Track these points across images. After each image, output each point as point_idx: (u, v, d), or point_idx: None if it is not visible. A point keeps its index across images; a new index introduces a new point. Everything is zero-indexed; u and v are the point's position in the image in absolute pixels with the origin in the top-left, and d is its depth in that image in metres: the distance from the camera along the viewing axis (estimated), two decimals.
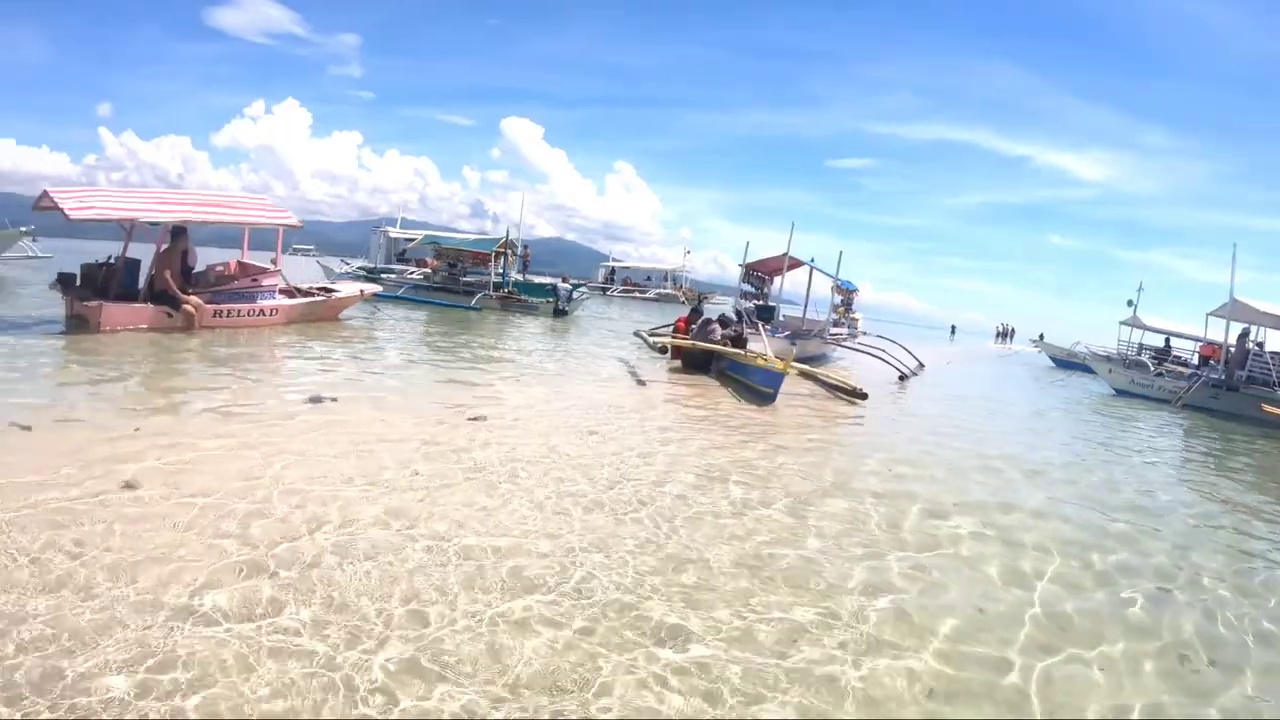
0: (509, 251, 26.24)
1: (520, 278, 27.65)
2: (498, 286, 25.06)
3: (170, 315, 12.19)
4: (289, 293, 14.73)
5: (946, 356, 30.14)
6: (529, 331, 19.39)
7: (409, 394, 9.07)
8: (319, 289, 16.36)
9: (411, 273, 28.12)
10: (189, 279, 12.82)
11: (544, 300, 25.05)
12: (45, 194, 12.15)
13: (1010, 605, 4.36)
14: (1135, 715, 3.41)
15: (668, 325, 17.49)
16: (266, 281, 14.02)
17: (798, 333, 17.98)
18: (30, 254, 26.61)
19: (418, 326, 18.34)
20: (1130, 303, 27.83)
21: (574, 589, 3.87)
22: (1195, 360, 23.95)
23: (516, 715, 2.83)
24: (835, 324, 19.52)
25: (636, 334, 18.08)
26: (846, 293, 20.91)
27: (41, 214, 13.12)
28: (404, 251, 33.33)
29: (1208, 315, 20.90)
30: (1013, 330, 62.48)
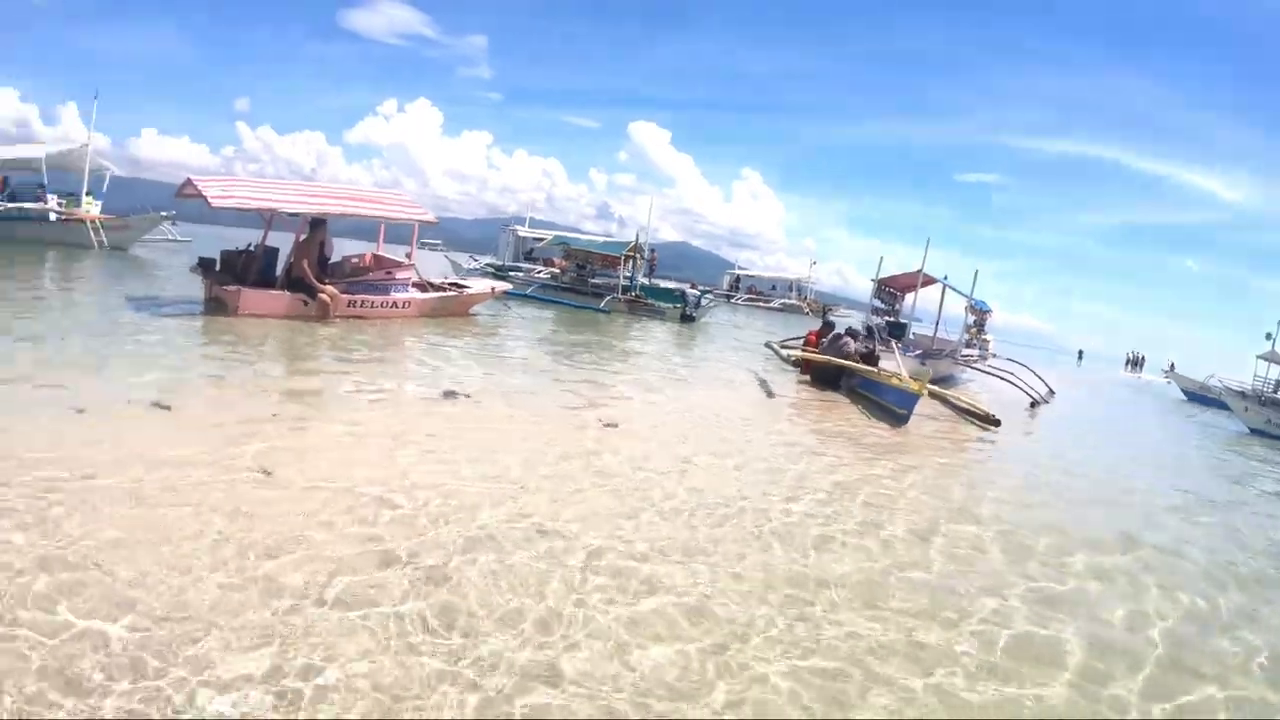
0: (637, 255, 25.83)
1: (646, 281, 27.22)
2: (625, 290, 24.91)
3: (306, 303, 12.43)
4: (422, 287, 14.87)
5: (1074, 382, 28.27)
6: (657, 336, 19.27)
7: (539, 394, 8.98)
8: (451, 284, 16.51)
9: (539, 272, 28.30)
10: (325, 269, 13.09)
11: (671, 305, 24.65)
12: (189, 181, 12.74)
13: (1131, 643, 4.22)
14: None
15: (795, 336, 17.27)
16: (400, 275, 14.19)
17: (929, 352, 17.33)
18: (170, 238, 28.16)
19: (546, 326, 18.38)
20: (1269, 336, 25.25)
21: (696, 605, 3.76)
22: None
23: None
24: (967, 344, 18.76)
25: (767, 345, 17.60)
26: (980, 313, 20.23)
27: (183, 201, 13.64)
28: (532, 250, 33.62)
29: None
30: (1143, 358, 58.50)
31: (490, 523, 4.39)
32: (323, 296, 12.43)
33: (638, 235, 26.73)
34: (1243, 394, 23.06)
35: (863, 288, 20.09)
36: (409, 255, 14.68)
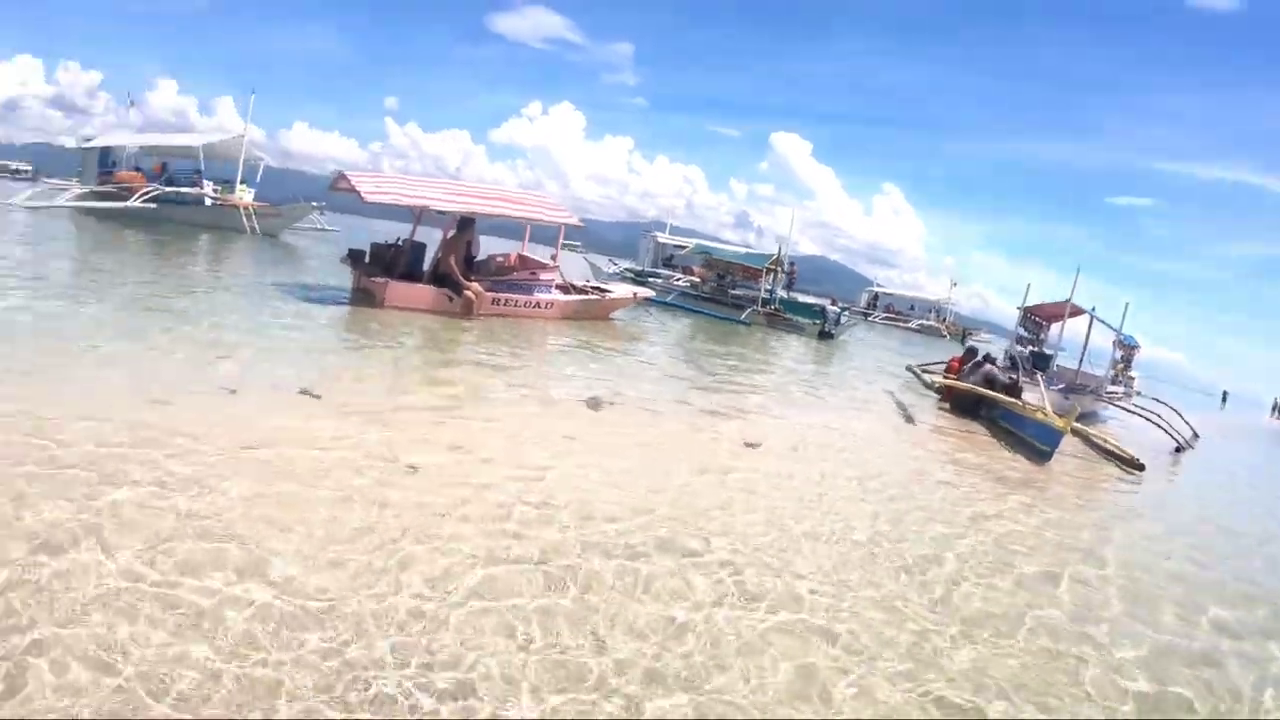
0: (779, 268, 25.08)
1: (785, 295, 26.40)
2: (765, 302, 24.19)
3: (451, 299, 12.56)
4: (565, 289, 14.90)
5: (1218, 426, 25.95)
6: (795, 352, 18.79)
7: (679, 404, 8.84)
8: (594, 288, 16.50)
9: (678, 279, 28.18)
10: (471, 266, 13.22)
11: (810, 321, 23.81)
12: (342, 176, 13.16)
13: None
14: None
15: (936, 361, 17.16)
16: (544, 276, 14.22)
17: (1072, 386, 16.60)
18: (318, 227, 29.43)
19: (685, 335, 18.17)
20: None
21: (823, 627, 3.68)
22: None
23: None
24: (1112, 381, 17.86)
25: (908, 368, 17.45)
26: (1128, 348, 19.41)
27: (335, 194, 14.08)
28: (671, 257, 33.55)
29: None
30: None
31: (634, 535, 4.36)
32: (468, 293, 12.54)
33: (780, 247, 26.05)
34: None
35: (1003, 312, 19.09)
36: (553, 257, 14.72)
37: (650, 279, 27.12)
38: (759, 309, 23.77)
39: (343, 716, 2.47)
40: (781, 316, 23.83)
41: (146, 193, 23.68)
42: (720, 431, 7.67)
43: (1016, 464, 9.20)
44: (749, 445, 7.24)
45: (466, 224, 12.93)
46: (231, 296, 11.52)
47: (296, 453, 4.70)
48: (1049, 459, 9.62)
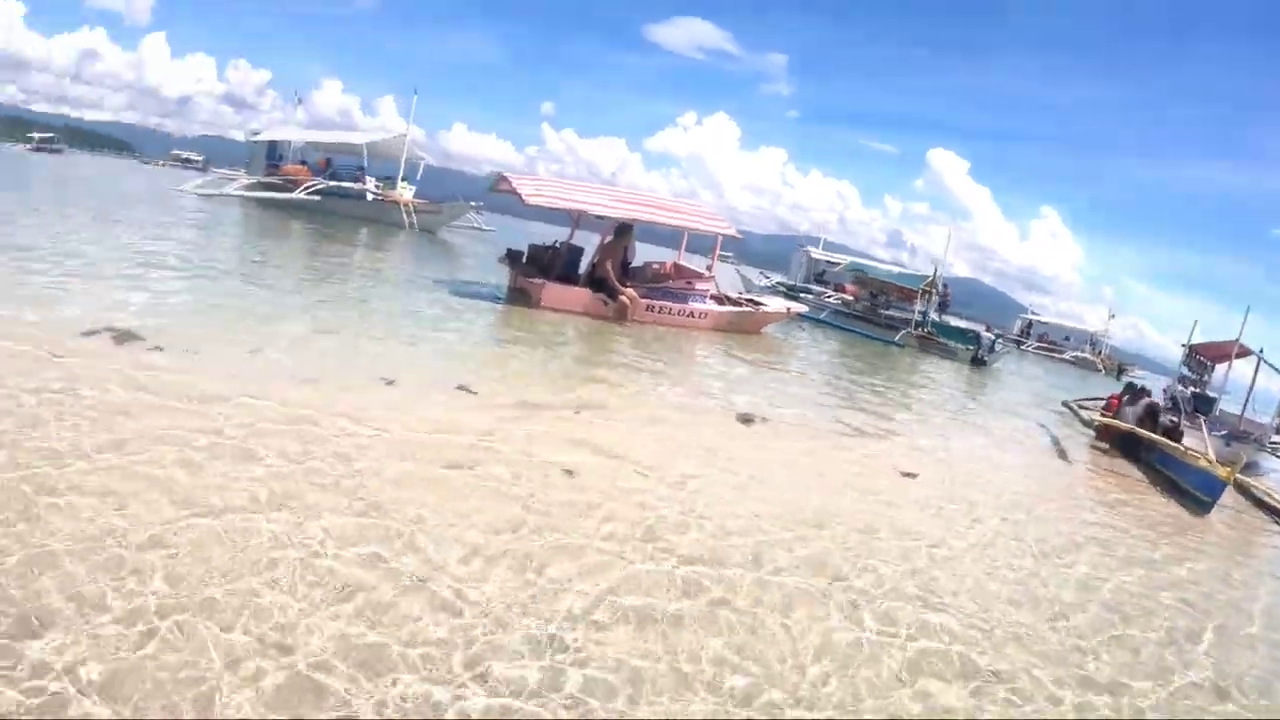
0: (934, 290, 24.14)
1: (937, 318, 25.37)
2: (918, 325, 23.34)
3: (606, 303, 12.67)
4: (719, 299, 14.72)
5: None
6: (948, 378, 17.97)
7: (833, 426, 8.58)
8: (748, 300, 16.30)
9: (829, 296, 27.68)
10: (627, 272, 13.27)
11: (963, 346, 22.74)
12: (503, 178, 13.50)
13: None
14: None
15: (1092, 397, 16.55)
16: (700, 285, 14.10)
17: (1234, 433, 15.11)
18: (475, 226, 30.37)
19: (836, 353, 17.70)
20: None
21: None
22: None
23: None
24: (1277, 430, 16.10)
25: (1065, 404, 16.56)
26: None
27: (494, 195, 14.46)
28: (823, 273, 32.91)
29: None
30: None
31: (780, 564, 4.23)
32: (623, 299, 12.60)
33: (936, 269, 25.06)
34: None
35: (1159, 347, 17.72)
36: (710, 267, 14.64)
37: (802, 294, 26.74)
38: (912, 331, 23.07)
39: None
40: (934, 340, 22.97)
41: (311, 186, 24.98)
42: (876, 458, 7.49)
43: (1171, 512, 8.70)
44: (906, 475, 7.03)
45: (625, 230, 13.01)
46: (392, 290, 12.01)
47: (450, 445, 4.87)
48: (1209, 510, 9.02)
